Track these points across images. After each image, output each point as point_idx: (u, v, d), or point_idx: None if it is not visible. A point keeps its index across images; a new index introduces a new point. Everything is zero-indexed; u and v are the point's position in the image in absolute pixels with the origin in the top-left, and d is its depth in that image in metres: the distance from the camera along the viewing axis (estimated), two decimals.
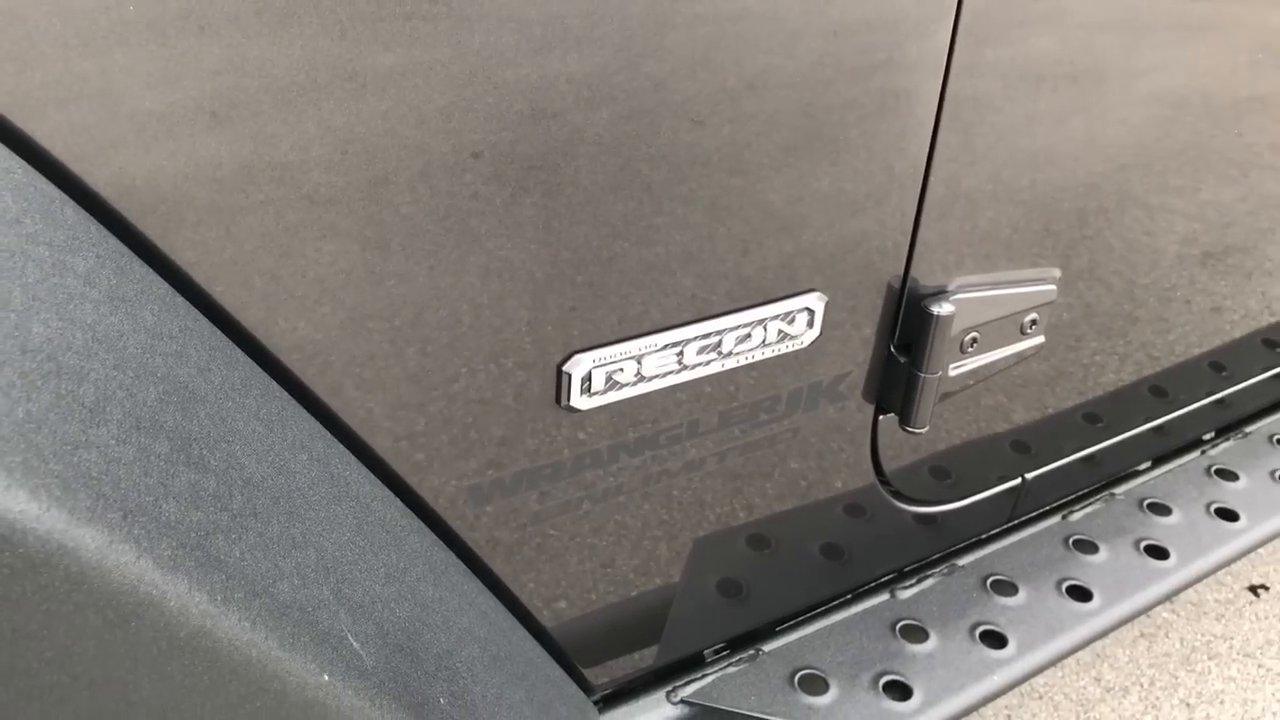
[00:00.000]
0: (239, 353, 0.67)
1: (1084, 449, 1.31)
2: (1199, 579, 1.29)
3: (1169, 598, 1.26)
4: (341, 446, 0.74)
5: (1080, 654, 2.11)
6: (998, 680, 1.11)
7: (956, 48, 0.90)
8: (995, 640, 1.15)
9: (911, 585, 1.21)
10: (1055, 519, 1.33)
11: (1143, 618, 2.21)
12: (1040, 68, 0.97)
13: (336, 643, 0.58)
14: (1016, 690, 2.04)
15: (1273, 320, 1.47)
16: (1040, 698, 2.03)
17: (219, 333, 0.66)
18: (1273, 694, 2.04)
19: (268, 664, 0.52)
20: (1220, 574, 2.32)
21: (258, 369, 0.68)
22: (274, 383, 0.70)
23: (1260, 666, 2.10)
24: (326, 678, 0.57)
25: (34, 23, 0.56)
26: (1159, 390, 1.39)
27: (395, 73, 0.66)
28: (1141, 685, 2.06)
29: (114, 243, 0.60)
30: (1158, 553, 1.29)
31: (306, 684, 0.55)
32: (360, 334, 0.73)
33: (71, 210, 0.58)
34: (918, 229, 0.96)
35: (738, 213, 0.85)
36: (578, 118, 0.74)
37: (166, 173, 0.62)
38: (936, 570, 1.23)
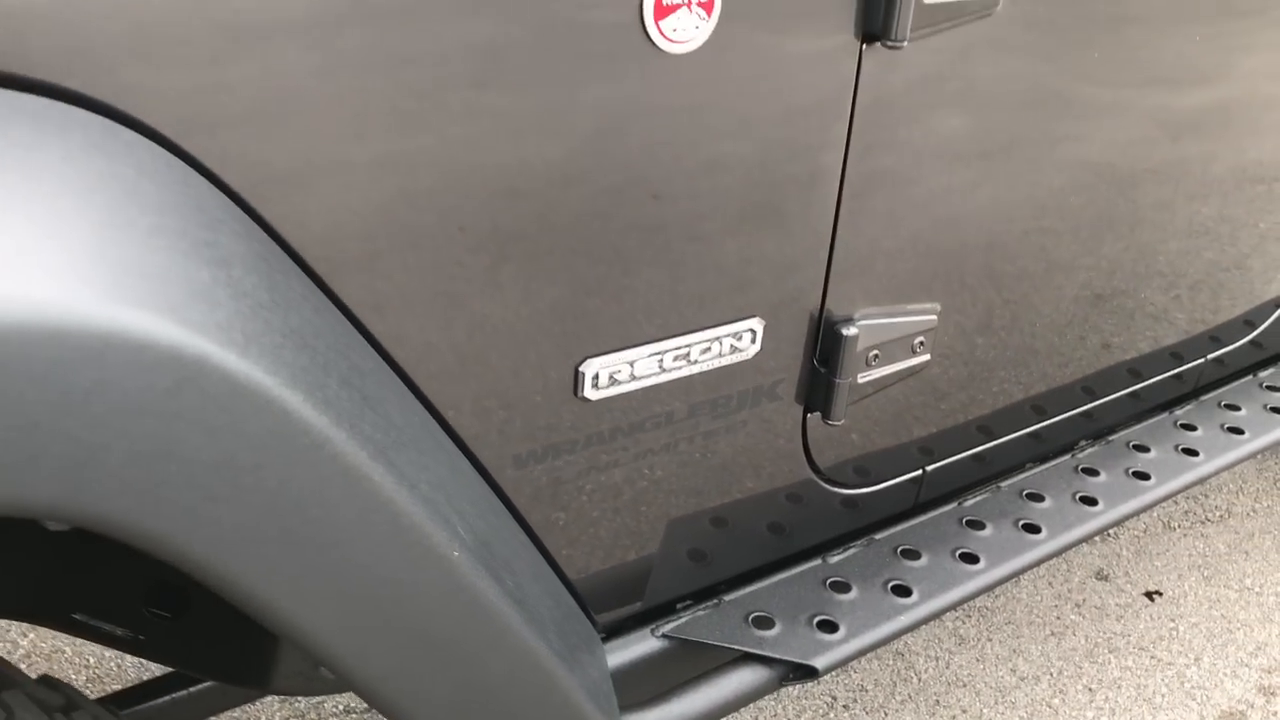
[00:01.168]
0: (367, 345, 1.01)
1: (972, 449, 1.67)
2: (1066, 549, 1.64)
3: (1040, 564, 1.61)
4: (432, 419, 1.08)
5: (998, 649, 2.45)
6: (904, 620, 1.45)
7: (853, 135, 1.25)
8: (903, 591, 1.50)
9: (838, 553, 1.55)
10: (952, 504, 1.68)
11: (1052, 619, 2.55)
12: (918, 147, 1.34)
13: (448, 523, 0.92)
14: (943, 679, 2.37)
15: (1138, 353, 1.85)
16: (964, 686, 2.36)
17: (353, 329, 1.00)
18: (1162, 679, 2.38)
19: (412, 514, 0.86)
20: (1120, 581, 2.68)
21: (380, 359, 1.03)
22: (390, 369, 1.04)
23: (1153, 658, 2.44)
24: (456, 553, 0.90)
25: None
26: (1038, 407, 1.76)
27: (435, 148, 1.01)
28: (1051, 674, 2.40)
29: (305, 277, 0.95)
30: (1033, 529, 1.64)
31: (433, 535, 0.88)
32: (447, 341, 1.07)
33: (280, 251, 0.93)
34: (830, 273, 1.32)
35: (701, 261, 1.21)
36: (566, 195, 1.08)
37: (324, 215, 0.97)
38: (858, 542, 1.58)
